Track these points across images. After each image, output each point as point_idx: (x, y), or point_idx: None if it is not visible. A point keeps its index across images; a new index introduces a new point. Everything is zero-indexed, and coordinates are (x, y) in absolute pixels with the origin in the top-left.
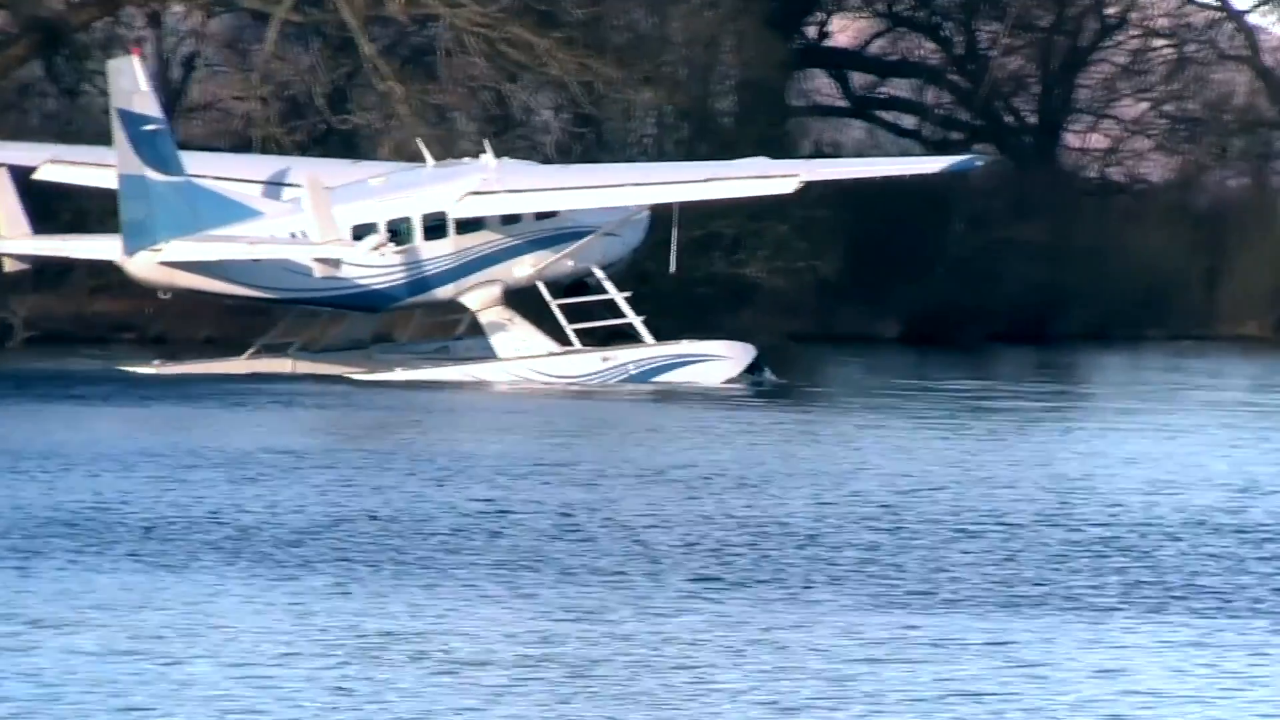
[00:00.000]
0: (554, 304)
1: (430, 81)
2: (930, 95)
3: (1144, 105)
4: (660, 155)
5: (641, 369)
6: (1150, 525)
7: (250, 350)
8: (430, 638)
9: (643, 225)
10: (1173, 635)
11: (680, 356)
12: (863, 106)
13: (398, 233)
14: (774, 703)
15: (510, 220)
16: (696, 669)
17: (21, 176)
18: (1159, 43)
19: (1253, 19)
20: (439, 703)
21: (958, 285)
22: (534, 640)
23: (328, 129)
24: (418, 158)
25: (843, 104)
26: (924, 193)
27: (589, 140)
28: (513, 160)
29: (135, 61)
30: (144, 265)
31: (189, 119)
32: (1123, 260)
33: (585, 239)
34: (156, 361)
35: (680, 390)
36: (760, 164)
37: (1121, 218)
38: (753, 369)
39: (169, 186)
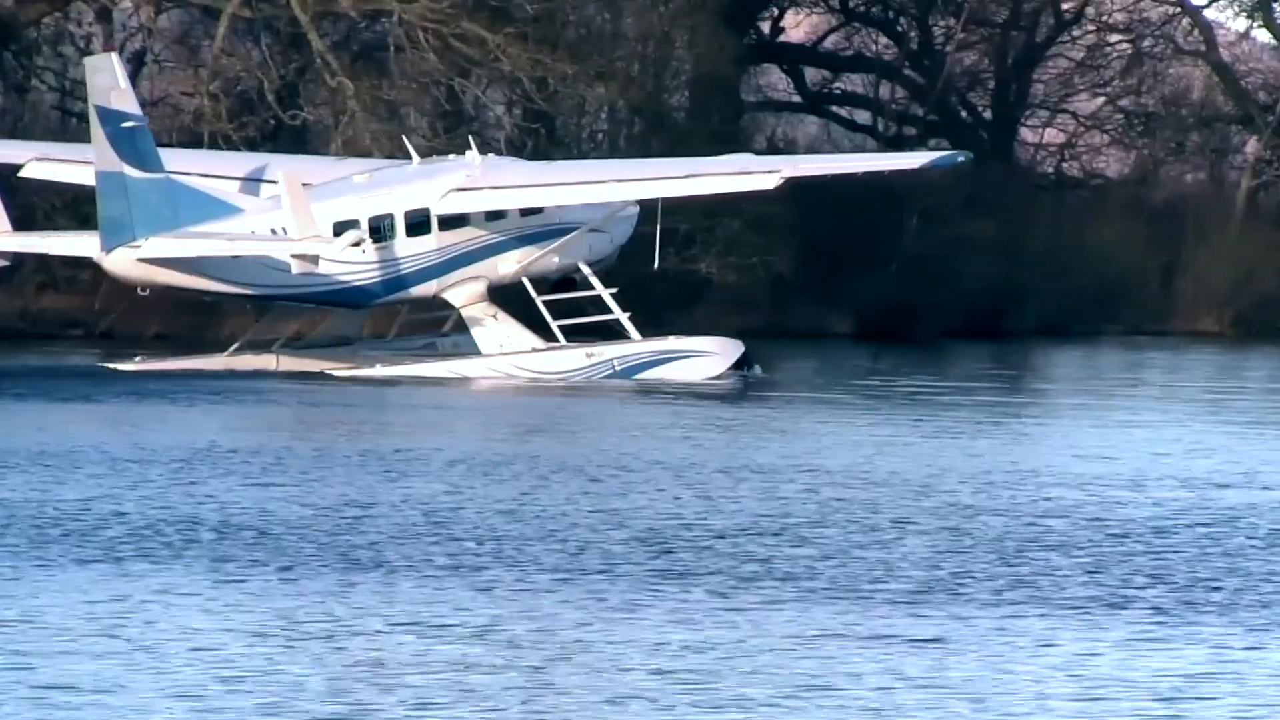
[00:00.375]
0: (539, 300)
1: (381, 77)
2: (885, 91)
3: (1100, 100)
4: (613, 151)
5: (626, 365)
6: (1109, 521)
7: (233, 347)
8: (380, 635)
9: (630, 222)
10: (1132, 632)
11: (666, 353)
12: (817, 102)
13: (380, 229)
14: (740, 700)
15: (495, 217)
16: (650, 666)
17: (7, 174)
18: (1115, 38)
19: (1209, 14)
20: (391, 698)
21: (912, 281)
22: (481, 638)
23: (278, 125)
24: (368, 153)
25: (797, 99)
26: (878, 188)
27: (541, 136)
28: (498, 157)
29: (114, 59)
30: (122, 262)
31: None
32: (1079, 256)
33: (569, 235)
34: (138, 358)
35: (653, 386)
36: (743, 160)
37: (1078, 213)
38: (741, 365)
39: (148, 184)
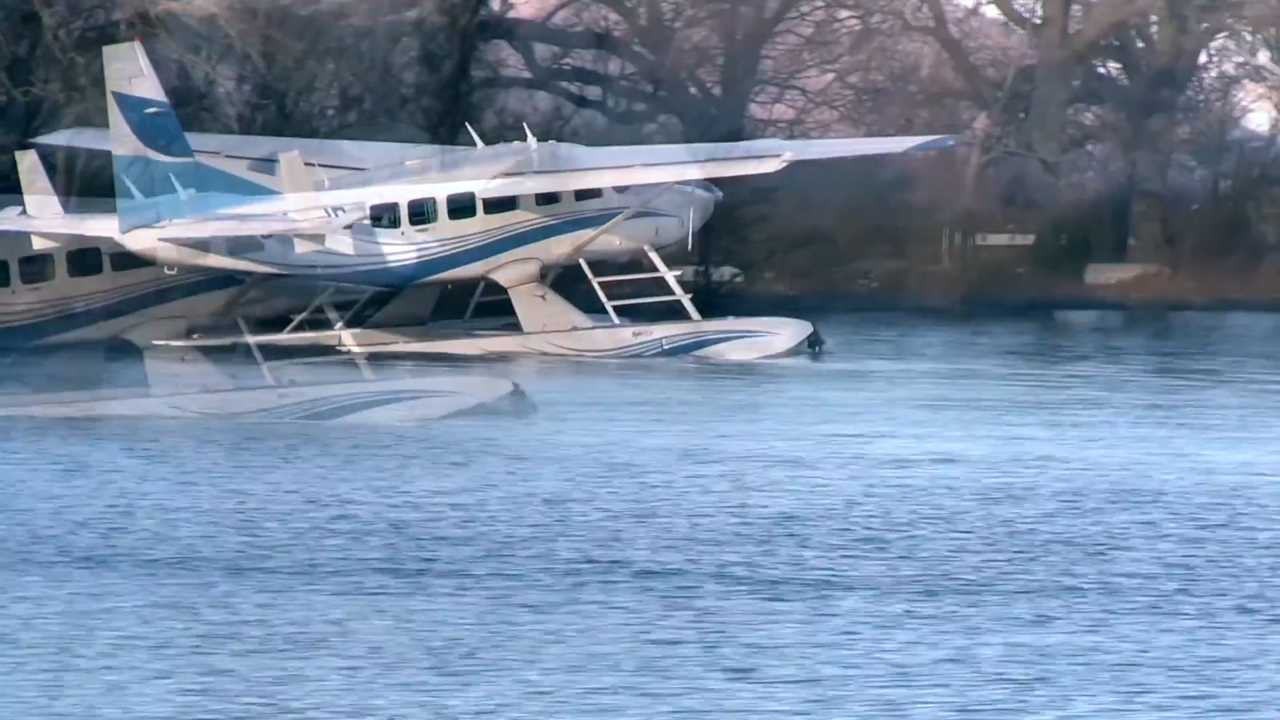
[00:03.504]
0: (595, 281)
1: None
2: (614, 66)
3: (829, 76)
4: (342, 128)
5: (675, 344)
6: (830, 501)
7: (292, 324)
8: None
9: (705, 206)
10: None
11: (722, 333)
12: (547, 78)
13: (422, 213)
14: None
15: (547, 200)
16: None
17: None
18: (844, 14)
19: None
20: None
21: None
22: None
23: (9, 100)
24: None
25: (527, 75)
26: None
27: (270, 112)
28: (557, 143)
29: (137, 47)
30: (141, 242)
31: None
32: (808, 232)
33: (615, 219)
34: (195, 335)
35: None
36: (755, 145)
37: (807, 188)
38: (812, 344)
39: (174, 167)
